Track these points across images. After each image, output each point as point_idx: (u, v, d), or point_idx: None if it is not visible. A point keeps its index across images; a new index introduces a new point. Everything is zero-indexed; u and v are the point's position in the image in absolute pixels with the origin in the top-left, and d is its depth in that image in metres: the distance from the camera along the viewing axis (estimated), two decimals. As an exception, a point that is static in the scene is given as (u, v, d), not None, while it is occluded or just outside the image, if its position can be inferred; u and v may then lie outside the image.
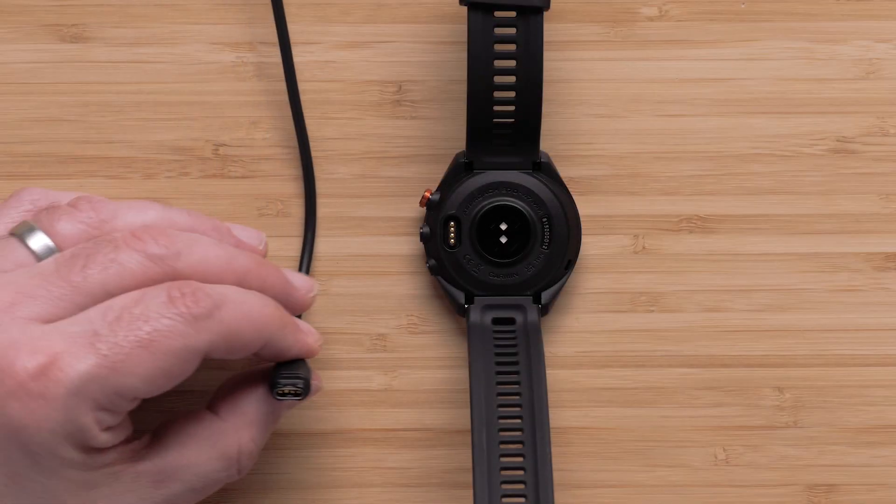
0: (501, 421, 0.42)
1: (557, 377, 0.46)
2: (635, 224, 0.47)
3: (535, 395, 0.42)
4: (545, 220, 0.45)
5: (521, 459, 0.41)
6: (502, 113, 0.44)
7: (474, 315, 0.45)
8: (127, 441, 0.39)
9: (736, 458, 0.46)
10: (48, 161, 0.46)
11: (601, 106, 0.47)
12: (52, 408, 0.37)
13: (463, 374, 0.46)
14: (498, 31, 0.43)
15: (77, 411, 0.37)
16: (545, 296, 0.45)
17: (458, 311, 0.45)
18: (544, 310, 0.45)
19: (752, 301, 0.47)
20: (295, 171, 0.47)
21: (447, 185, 0.45)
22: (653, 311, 0.47)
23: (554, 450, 0.46)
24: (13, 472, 0.37)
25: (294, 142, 0.46)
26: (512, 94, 0.43)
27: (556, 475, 0.46)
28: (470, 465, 0.46)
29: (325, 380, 0.46)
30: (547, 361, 0.46)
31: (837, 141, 0.47)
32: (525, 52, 0.43)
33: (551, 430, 0.46)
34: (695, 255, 0.47)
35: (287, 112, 0.46)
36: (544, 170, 0.45)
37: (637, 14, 0.47)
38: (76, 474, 0.38)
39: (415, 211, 0.46)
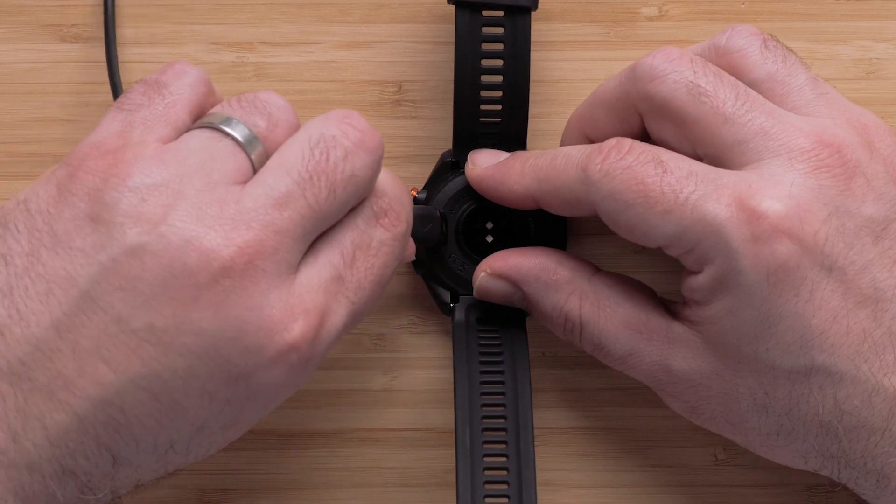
0: (485, 420, 0.42)
1: (558, 377, 0.46)
2: (635, 224, 0.47)
3: (519, 395, 0.42)
4: (531, 219, 0.45)
5: (504, 459, 0.41)
6: (489, 112, 0.44)
7: (459, 314, 0.45)
8: None
9: (736, 458, 0.46)
10: (48, 161, 0.46)
11: (601, 106, 0.47)
12: (313, 368, 0.37)
13: (463, 374, 0.46)
14: (485, 30, 0.43)
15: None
16: None
17: (444, 310, 0.45)
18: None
19: (752, 301, 0.46)
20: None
21: (433, 184, 0.45)
22: (653, 311, 0.46)
23: (554, 450, 0.46)
24: (234, 422, 0.37)
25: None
26: (499, 93, 0.43)
27: (556, 475, 0.46)
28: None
29: (326, 380, 0.46)
30: (547, 361, 0.46)
31: (837, 141, 0.47)
32: (512, 52, 0.43)
33: (551, 430, 0.46)
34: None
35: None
36: None
37: (637, 14, 0.47)
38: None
39: (415, 211, 0.46)
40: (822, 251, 0.38)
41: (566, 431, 0.46)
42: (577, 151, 0.40)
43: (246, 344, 0.35)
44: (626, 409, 0.46)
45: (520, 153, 0.43)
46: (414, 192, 0.45)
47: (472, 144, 0.44)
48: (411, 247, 0.43)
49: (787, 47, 0.42)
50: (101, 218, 0.35)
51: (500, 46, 0.43)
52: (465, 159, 0.44)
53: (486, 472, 0.40)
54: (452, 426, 0.46)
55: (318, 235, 0.37)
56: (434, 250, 0.45)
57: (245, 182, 0.36)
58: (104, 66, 0.47)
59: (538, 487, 0.46)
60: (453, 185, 0.45)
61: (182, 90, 0.38)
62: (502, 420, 0.42)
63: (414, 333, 0.47)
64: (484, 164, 0.43)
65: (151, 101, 0.38)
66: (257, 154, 0.37)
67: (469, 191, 0.44)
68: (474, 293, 0.44)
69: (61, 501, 0.35)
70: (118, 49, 0.47)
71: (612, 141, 0.40)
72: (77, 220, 0.35)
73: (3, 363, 0.34)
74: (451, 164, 0.45)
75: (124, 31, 0.46)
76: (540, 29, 0.46)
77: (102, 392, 0.34)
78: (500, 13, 0.43)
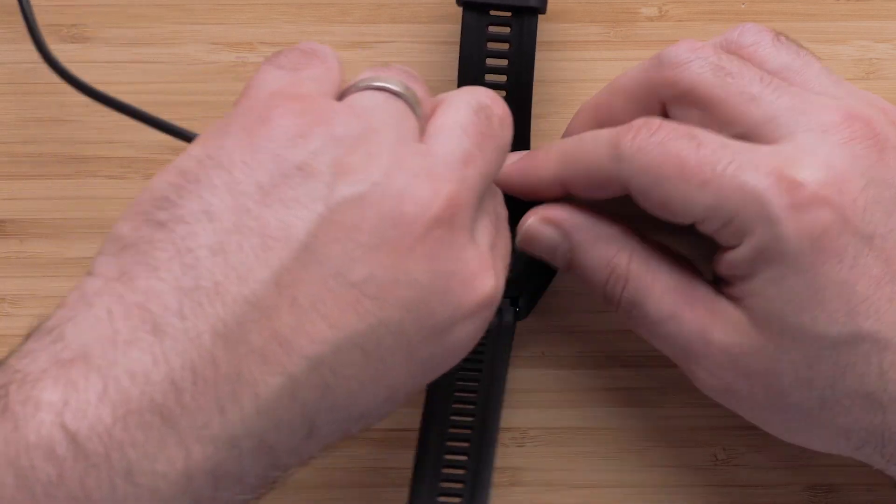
0: (454, 418, 0.41)
1: (558, 377, 0.46)
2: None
3: (490, 396, 0.41)
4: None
5: (465, 458, 0.40)
6: None
7: None
8: None
9: (736, 458, 0.46)
10: (48, 161, 0.46)
11: (601, 106, 0.47)
12: (485, 327, 0.37)
13: (463, 374, 0.46)
14: (492, 30, 0.43)
15: None
16: (522, 300, 0.44)
17: None
18: (521, 314, 0.45)
19: (752, 301, 0.46)
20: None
21: None
22: (653, 311, 0.46)
23: (554, 450, 0.46)
24: (415, 388, 0.36)
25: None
26: (503, 93, 0.43)
27: (556, 475, 0.46)
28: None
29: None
30: (547, 361, 0.46)
31: (837, 141, 0.47)
32: (517, 53, 0.43)
33: (551, 430, 0.46)
34: (693, 257, 0.47)
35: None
36: None
37: (637, 14, 0.47)
38: None
39: (415, 211, 0.46)
40: (861, 219, 0.38)
41: (566, 431, 0.46)
42: (605, 132, 0.40)
43: (451, 296, 0.35)
44: (626, 409, 0.46)
45: (543, 144, 0.43)
46: None
47: None
48: None
49: (798, 43, 0.42)
50: (311, 167, 0.33)
51: (505, 46, 0.43)
52: None
53: (445, 471, 0.40)
54: (453, 426, 0.46)
55: None
56: None
57: (419, 141, 0.36)
58: (104, 66, 0.47)
59: (539, 487, 0.46)
60: None
61: (331, 58, 0.38)
62: (470, 418, 0.41)
63: (414, 333, 0.47)
64: (507, 161, 0.43)
65: (311, 63, 0.37)
66: (422, 116, 0.37)
67: None
68: (518, 241, 0.42)
69: (249, 483, 0.33)
70: (118, 49, 0.47)
71: (641, 120, 0.39)
72: (284, 170, 0.33)
73: (220, 326, 0.32)
74: None
75: (124, 31, 0.47)
76: (540, 29, 0.46)
77: (319, 350, 0.33)
78: (508, 14, 0.43)
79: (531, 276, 0.44)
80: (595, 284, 0.42)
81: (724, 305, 0.40)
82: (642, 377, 0.46)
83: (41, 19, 0.47)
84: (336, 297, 0.33)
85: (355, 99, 0.36)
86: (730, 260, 0.39)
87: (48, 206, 0.47)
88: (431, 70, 0.47)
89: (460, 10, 0.44)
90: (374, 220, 0.33)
